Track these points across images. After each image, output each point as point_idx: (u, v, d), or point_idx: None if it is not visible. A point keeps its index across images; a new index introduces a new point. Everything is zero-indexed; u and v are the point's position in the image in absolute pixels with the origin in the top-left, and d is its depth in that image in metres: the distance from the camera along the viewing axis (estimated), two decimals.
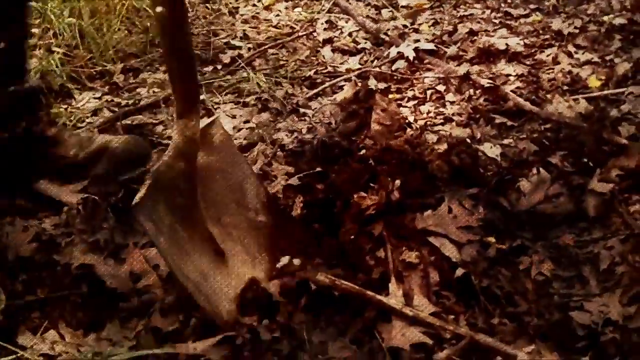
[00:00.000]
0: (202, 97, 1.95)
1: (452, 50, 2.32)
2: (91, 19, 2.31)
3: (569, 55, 2.21)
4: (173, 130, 1.15)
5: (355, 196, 1.37)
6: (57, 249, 1.37)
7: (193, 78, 1.13)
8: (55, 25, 2.29)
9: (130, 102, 2.06)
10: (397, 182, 1.39)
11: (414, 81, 2.13)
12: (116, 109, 2.01)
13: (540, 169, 1.52)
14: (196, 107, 1.14)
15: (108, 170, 1.59)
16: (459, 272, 1.23)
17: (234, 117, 1.94)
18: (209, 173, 1.24)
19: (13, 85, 1.50)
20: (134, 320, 1.19)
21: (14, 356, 1.06)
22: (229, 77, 2.20)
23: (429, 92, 2.04)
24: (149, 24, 2.48)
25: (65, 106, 2.03)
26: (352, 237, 1.31)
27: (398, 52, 2.29)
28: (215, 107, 2.00)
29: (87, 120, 1.96)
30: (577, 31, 2.37)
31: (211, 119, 1.30)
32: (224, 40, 2.52)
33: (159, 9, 1.03)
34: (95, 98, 2.10)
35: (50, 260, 1.33)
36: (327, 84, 2.16)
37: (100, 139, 1.64)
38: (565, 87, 2.01)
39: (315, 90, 2.13)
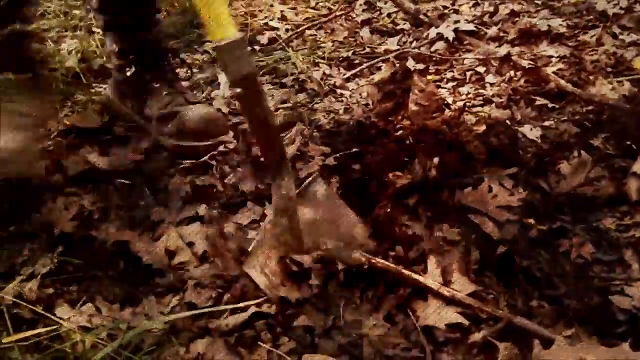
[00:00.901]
0: None
1: (492, 31, 2.28)
2: None
3: (614, 36, 2.16)
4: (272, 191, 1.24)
5: (390, 175, 1.36)
6: (95, 225, 1.39)
7: (275, 143, 1.23)
8: None
9: None
10: (435, 159, 1.37)
11: (453, 62, 2.10)
12: None
13: (582, 151, 1.48)
14: (285, 167, 1.22)
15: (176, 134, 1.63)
16: (500, 249, 1.22)
17: (271, 97, 1.93)
18: (317, 225, 1.30)
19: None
20: (169, 296, 1.20)
21: (53, 327, 1.08)
22: (266, 58, 2.20)
23: (468, 73, 2.01)
24: (187, 5, 2.50)
25: (105, 86, 2.05)
26: (388, 214, 1.30)
27: (437, 33, 2.27)
28: None
29: None
30: (622, 12, 2.31)
31: (311, 177, 1.37)
32: (262, 22, 2.52)
33: (238, 90, 1.15)
34: None
35: (87, 235, 1.35)
36: (364, 64, 2.15)
37: (177, 104, 1.67)
38: (609, 69, 1.95)
39: (352, 71, 2.11)
